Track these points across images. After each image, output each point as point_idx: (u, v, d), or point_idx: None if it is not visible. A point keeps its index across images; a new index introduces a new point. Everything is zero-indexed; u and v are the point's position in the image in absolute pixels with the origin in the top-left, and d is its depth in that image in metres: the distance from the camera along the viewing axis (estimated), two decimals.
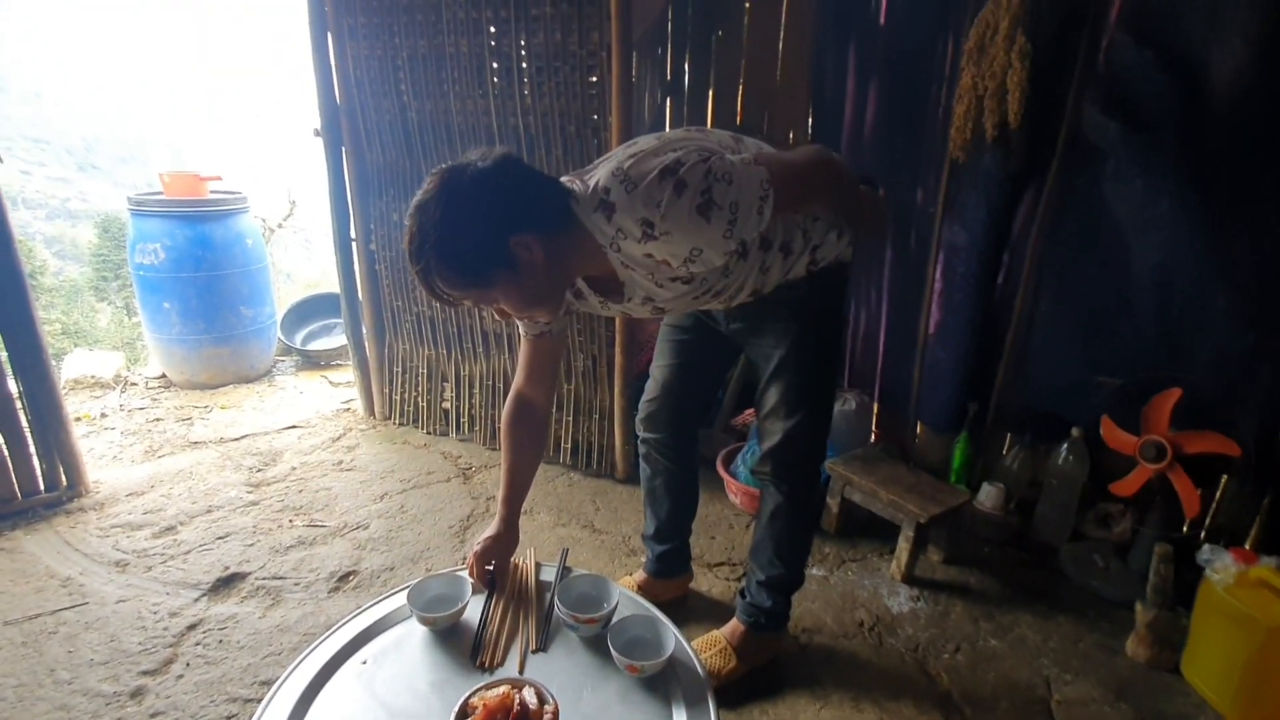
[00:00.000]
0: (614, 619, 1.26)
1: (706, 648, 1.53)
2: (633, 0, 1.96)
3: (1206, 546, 1.63)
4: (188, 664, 1.55)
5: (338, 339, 3.53)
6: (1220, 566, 1.57)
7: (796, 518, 1.47)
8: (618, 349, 2.24)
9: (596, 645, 1.23)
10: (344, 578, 1.86)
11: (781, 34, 2.64)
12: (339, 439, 2.68)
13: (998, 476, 2.18)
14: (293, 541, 2.02)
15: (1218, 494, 1.93)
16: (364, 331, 2.80)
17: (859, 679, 1.57)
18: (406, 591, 1.29)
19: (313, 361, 3.55)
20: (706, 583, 1.88)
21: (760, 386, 1.42)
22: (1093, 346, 2.03)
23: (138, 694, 1.46)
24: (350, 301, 2.78)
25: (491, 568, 1.32)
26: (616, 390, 2.31)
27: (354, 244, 2.69)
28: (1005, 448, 2.25)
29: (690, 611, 1.75)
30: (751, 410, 2.65)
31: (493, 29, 2.17)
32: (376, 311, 2.74)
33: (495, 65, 2.19)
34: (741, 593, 1.57)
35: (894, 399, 2.46)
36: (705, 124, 2.67)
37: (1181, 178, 1.79)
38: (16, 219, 2.00)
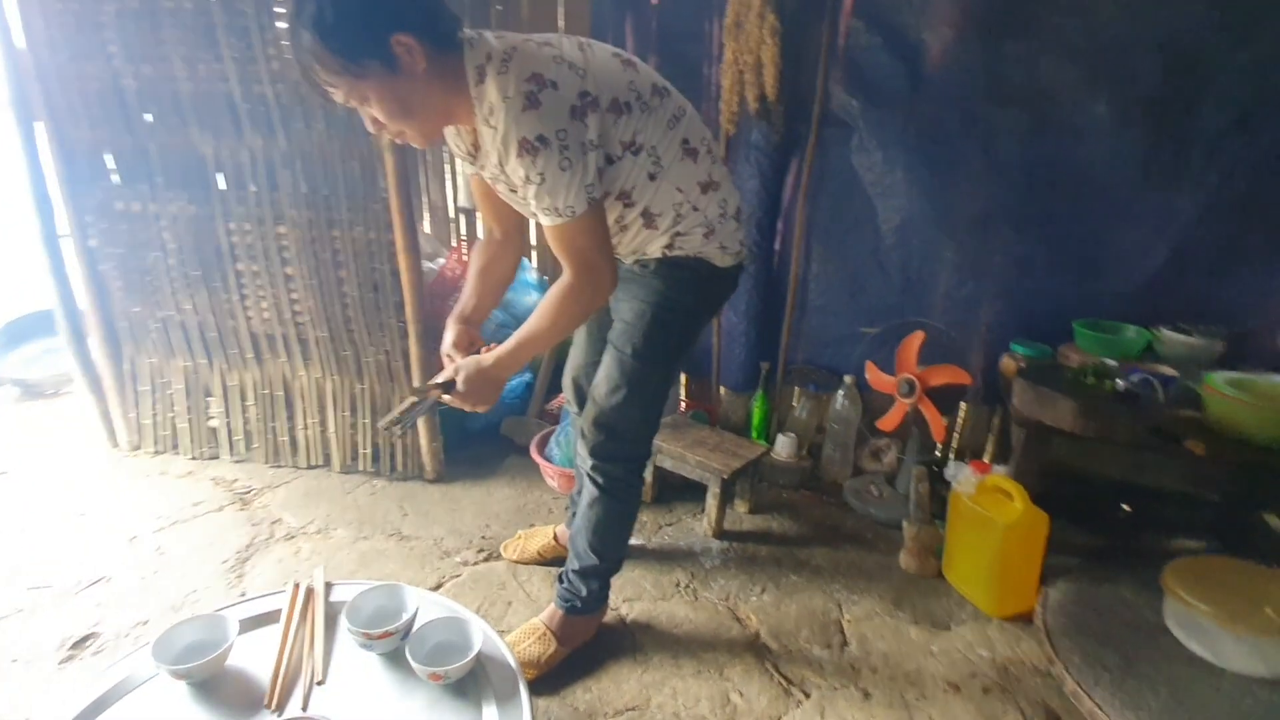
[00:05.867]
0: (414, 628, 1.16)
1: (526, 637, 1.47)
2: None
3: (952, 463, 1.90)
4: None
5: (62, 362, 2.89)
6: (963, 479, 1.82)
7: (612, 508, 1.44)
8: (411, 341, 2.08)
9: (398, 660, 1.13)
10: (79, 643, 1.52)
11: (560, 9, 2.62)
12: (69, 481, 2.20)
13: (790, 427, 2.37)
14: (6, 613, 1.61)
15: (960, 419, 2.28)
16: (92, 348, 2.31)
17: (677, 637, 1.61)
18: (150, 645, 1.08)
19: (33, 392, 2.88)
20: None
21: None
22: (855, 302, 2.28)
23: None
24: (69, 312, 2.28)
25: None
26: (415, 386, 2.14)
27: (63, 241, 2.20)
28: (795, 400, 2.46)
29: None
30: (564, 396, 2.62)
31: None
32: (107, 321, 2.27)
33: (226, 23, 1.90)
34: (560, 577, 1.54)
35: (698, 366, 2.58)
36: None
37: (908, 148, 2.05)
38: None
